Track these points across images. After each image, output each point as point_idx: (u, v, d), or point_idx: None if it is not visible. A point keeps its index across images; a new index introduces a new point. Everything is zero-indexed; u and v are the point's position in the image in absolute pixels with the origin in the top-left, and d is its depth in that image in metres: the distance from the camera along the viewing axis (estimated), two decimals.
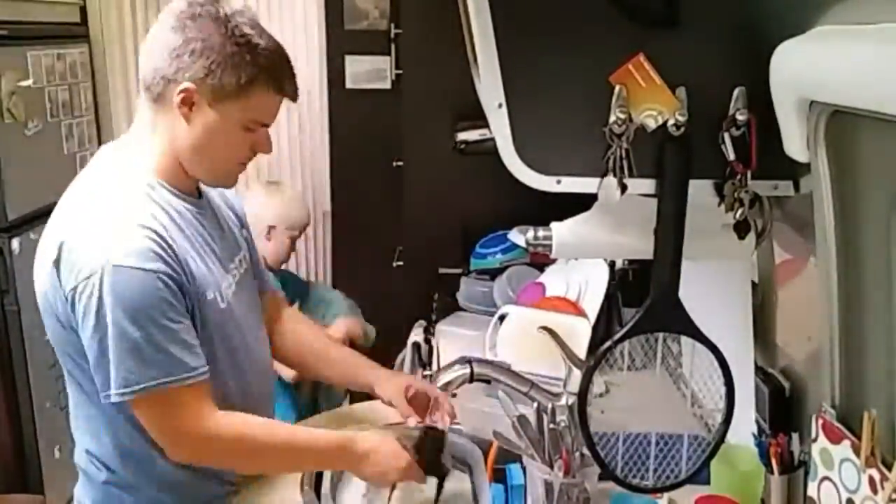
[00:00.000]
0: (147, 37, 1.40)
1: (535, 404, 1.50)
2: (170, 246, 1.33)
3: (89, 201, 1.37)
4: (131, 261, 1.28)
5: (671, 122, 1.24)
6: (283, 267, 2.80)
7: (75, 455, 1.55)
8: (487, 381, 2.05)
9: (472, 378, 1.64)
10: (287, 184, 3.15)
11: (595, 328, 2.06)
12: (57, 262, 1.31)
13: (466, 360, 1.68)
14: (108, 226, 1.31)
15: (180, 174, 1.42)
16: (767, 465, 1.40)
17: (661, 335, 1.33)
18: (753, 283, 1.62)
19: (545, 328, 1.61)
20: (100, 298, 1.27)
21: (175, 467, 1.41)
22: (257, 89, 1.36)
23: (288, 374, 2.38)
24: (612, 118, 1.23)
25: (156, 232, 1.32)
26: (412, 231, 3.35)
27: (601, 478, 1.44)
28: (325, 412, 1.98)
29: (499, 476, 1.63)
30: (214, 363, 1.40)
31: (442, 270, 3.08)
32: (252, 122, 1.40)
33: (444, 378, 1.62)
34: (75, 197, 1.41)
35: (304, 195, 3.48)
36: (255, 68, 1.34)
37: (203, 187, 1.52)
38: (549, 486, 1.42)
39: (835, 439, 1.18)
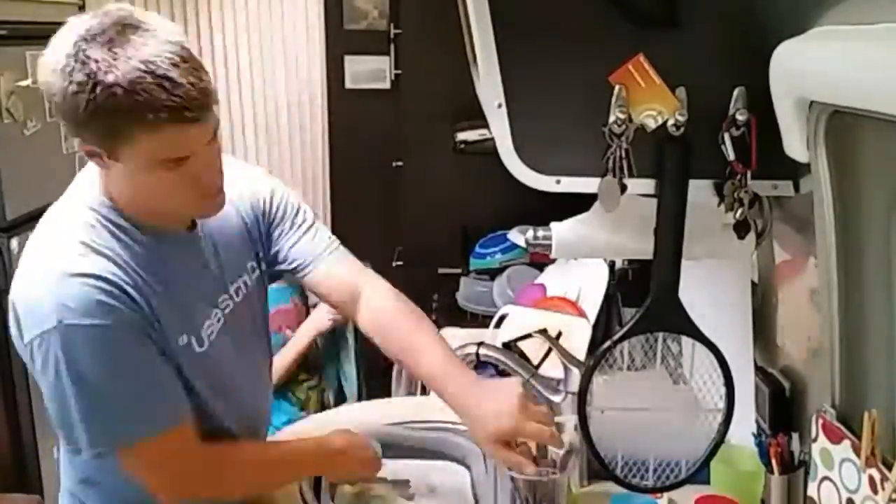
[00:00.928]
0: None
1: None
2: (124, 290, 1.20)
3: (46, 241, 1.26)
4: (81, 318, 1.16)
5: (671, 122, 1.24)
6: None
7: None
8: (496, 366, 2.07)
9: (478, 360, 1.67)
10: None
11: (595, 328, 2.06)
12: (14, 316, 1.23)
13: (476, 343, 1.70)
14: (53, 279, 1.18)
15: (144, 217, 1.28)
16: (767, 464, 1.40)
17: (661, 335, 1.33)
18: (753, 283, 1.62)
19: (541, 331, 1.62)
20: (56, 358, 1.17)
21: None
22: (134, 130, 1.12)
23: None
24: (612, 118, 1.23)
25: (105, 279, 1.18)
26: (412, 231, 3.36)
27: (601, 478, 1.44)
28: (310, 417, 1.94)
29: None
30: (197, 398, 1.32)
31: (442, 270, 3.08)
32: (163, 162, 1.17)
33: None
34: (39, 230, 1.30)
35: (302, 195, 3.47)
36: (113, 110, 1.09)
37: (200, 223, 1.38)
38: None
39: (835, 439, 1.18)
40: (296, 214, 1.52)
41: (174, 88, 1.10)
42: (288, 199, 1.52)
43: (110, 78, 1.08)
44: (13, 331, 1.25)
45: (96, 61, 1.09)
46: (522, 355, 1.81)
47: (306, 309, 2.51)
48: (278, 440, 1.57)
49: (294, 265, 1.51)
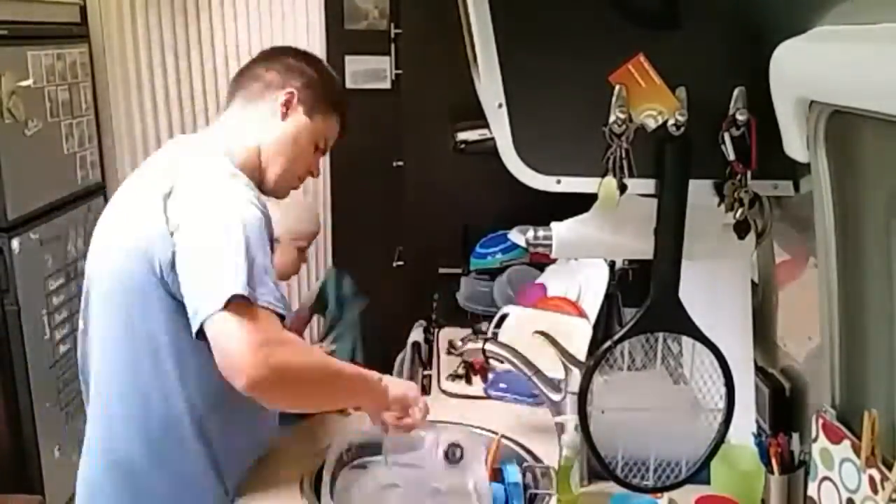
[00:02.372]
0: (266, 56, 1.66)
1: None
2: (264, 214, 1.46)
3: (195, 161, 1.50)
4: (259, 206, 1.43)
5: (671, 122, 1.24)
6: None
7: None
8: (484, 378, 2.07)
9: (484, 354, 1.68)
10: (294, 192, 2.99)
11: (595, 328, 2.06)
12: (168, 199, 1.41)
13: (483, 338, 1.72)
14: (222, 182, 1.45)
15: (256, 174, 1.58)
16: (767, 464, 1.40)
17: (661, 335, 1.33)
18: (753, 283, 1.62)
19: (541, 332, 1.62)
20: (225, 219, 1.37)
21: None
22: (335, 116, 1.66)
23: None
24: (612, 118, 1.23)
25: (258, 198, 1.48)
26: (412, 231, 3.36)
27: (601, 478, 1.44)
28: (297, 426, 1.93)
29: (497, 476, 1.63)
30: None
31: (442, 270, 3.08)
32: (322, 141, 1.65)
33: (460, 348, 1.70)
34: (166, 160, 1.55)
35: (293, 196, 3.46)
36: (340, 99, 1.68)
37: None
38: None
39: (835, 439, 1.18)
40: None
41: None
42: None
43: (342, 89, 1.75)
44: (155, 221, 1.40)
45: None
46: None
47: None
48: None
49: None
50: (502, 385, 2.01)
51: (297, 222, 2.39)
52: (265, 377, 1.28)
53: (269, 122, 1.59)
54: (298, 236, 2.39)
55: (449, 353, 2.15)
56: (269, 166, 1.60)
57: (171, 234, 1.39)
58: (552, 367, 1.61)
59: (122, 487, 1.52)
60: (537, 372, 1.61)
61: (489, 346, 1.68)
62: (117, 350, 1.50)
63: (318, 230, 2.52)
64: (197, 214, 1.39)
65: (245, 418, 1.54)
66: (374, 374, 1.56)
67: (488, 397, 2.01)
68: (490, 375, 2.07)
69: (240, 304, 1.29)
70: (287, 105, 1.59)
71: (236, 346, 1.28)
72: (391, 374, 2.72)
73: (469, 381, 2.11)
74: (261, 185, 1.59)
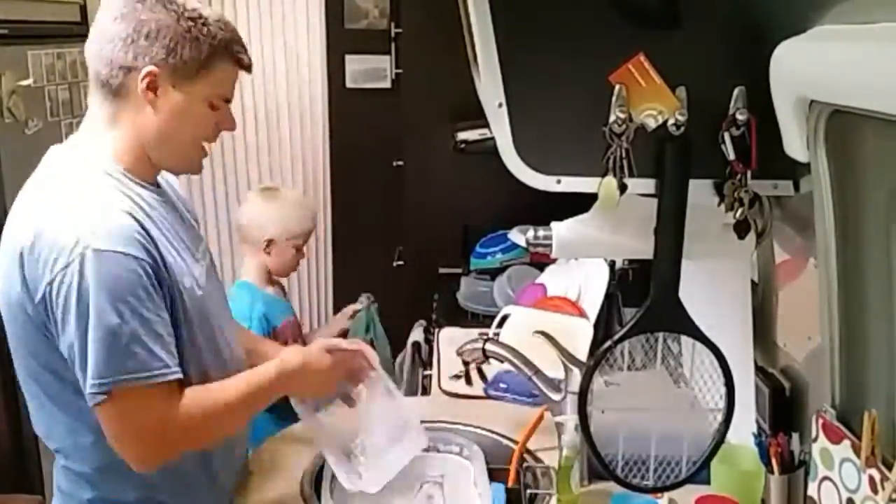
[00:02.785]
0: (92, 31, 1.35)
1: None
2: (146, 233, 1.29)
3: (55, 193, 1.32)
4: (113, 244, 1.24)
5: (671, 121, 1.24)
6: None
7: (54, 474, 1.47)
8: (484, 378, 2.07)
9: (484, 354, 1.68)
10: (285, 189, 2.79)
11: (595, 328, 2.06)
12: (25, 258, 1.26)
13: (484, 339, 1.72)
14: (83, 211, 1.26)
15: (143, 165, 1.38)
16: (767, 464, 1.40)
17: (661, 335, 1.33)
18: (753, 283, 1.62)
19: (541, 332, 1.62)
20: (79, 288, 1.22)
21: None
22: (218, 63, 1.36)
23: None
24: (612, 118, 1.23)
25: (133, 216, 1.29)
26: (412, 231, 3.36)
27: (601, 478, 1.44)
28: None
29: (499, 476, 1.63)
30: (197, 350, 1.39)
31: (442, 270, 3.08)
32: (216, 98, 1.39)
33: (461, 349, 1.72)
34: (34, 194, 1.35)
35: (303, 194, 3.46)
36: (213, 41, 1.34)
37: (160, 179, 1.47)
38: None
39: (835, 439, 1.18)
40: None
41: (242, 40, 1.41)
42: None
43: (213, 17, 1.35)
44: (19, 278, 1.27)
45: (196, 3, 1.35)
46: None
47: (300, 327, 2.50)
48: (238, 376, 1.49)
49: None
50: (502, 385, 2.01)
51: (296, 224, 2.36)
52: (153, 462, 1.32)
53: (140, 118, 1.35)
54: (295, 235, 2.36)
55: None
56: (162, 157, 1.40)
57: (33, 300, 1.27)
58: (552, 367, 1.61)
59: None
60: (537, 372, 1.61)
61: (489, 346, 1.68)
62: None
63: (315, 226, 2.49)
64: (59, 306, 1.25)
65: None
66: (289, 364, 1.46)
67: (488, 397, 2.01)
68: (490, 375, 2.08)
69: (105, 397, 1.24)
70: (151, 89, 1.33)
71: (115, 443, 1.29)
72: (391, 373, 2.73)
73: (469, 382, 2.11)
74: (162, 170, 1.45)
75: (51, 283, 1.24)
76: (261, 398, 1.44)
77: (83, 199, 1.29)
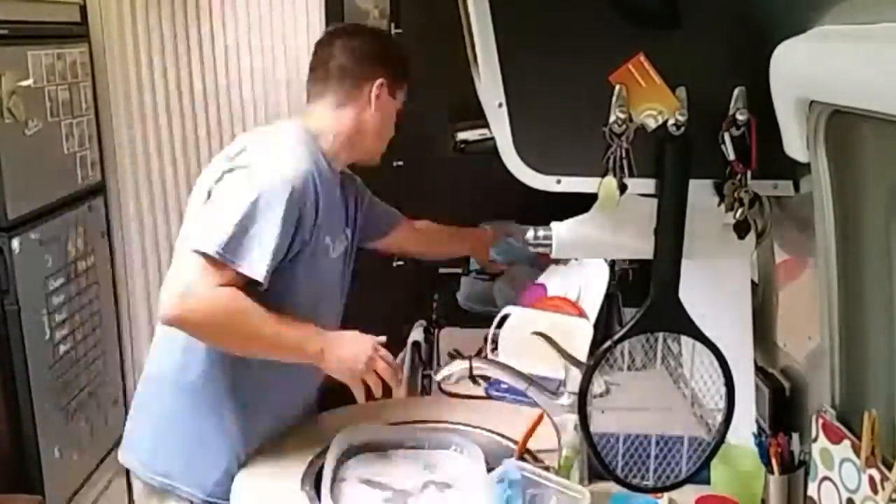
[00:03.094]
0: (335, 44, 1.81)
1: None
2: (316, 189, 1.63)
3: (272, 137, 1.76)
4: (287, 168, 1.61)
5: (671, 122, 1.24)
6: None
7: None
8: (486, 378, 2.06)
9: (471, 373, 1.65)
10: None
11: (595, 328, 2.06)
12: (232, 158, 1.67)
13: (466, 357, 1.68)
14: (283, 150, 1.67)
15: (342, 151, 1.80)
16: (767, 464, 1.40)
17: (661, 335, 1.33)
18: (753, 283, 1.62)
19: (539, 333, 1.62)
20: (249, 177, 1.59)
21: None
22: (406, 78, 1.86)
23: None
24: (612, 118, 1.23)
25: (312, 174, 1.64)
26: None
27: (601, 478, 1.44)
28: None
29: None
30: (294, 294, 1.67)
31: (442, 270, 3.07)
32: (401, 104, 1.87)
33: (444, 372, 1.64)
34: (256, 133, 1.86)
35: None
36: (406, 64, 1.87)
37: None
38: None
39: (835, 439, 1.18)
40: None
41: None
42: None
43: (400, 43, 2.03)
44: (226, 163, 1.68)
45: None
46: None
47: None
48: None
49: (382, 226, 2.22)
50: (503, 385, 2.01)
51: None
52: (175, 318, 1.55)
53: (363, 115, 1.79)
54: None
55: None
56: (370, 147, 1.85)
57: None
58: (554, 368, 1.60)
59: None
60: (532, 383, 1.59)
61: (477, 364, 1.64)
62: None
63: None
64: (235, 173, 1.63)
65: (272, 396, 1.74)
66: (313, 343, 1.63)
67: (489, 397, 2.01)
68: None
69: (208, 258, 1.54)
70: (378, 96, 1.78)
71: (171, 283, 1.58)
72: None
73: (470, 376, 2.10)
74: (353, 158, 1.86)
75: (231, 169, 1.64)
76: (288, 335, 1.62)
77: (288, 145, 1.69)
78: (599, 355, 1.33)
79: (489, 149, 1.42)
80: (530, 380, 1.59)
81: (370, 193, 2.16)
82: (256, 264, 1.55)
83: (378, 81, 1.77)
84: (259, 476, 1.63)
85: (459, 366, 1.62)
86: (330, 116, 1.78)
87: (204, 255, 1.54)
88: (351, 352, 1.65)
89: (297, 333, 1.63)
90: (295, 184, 1.59)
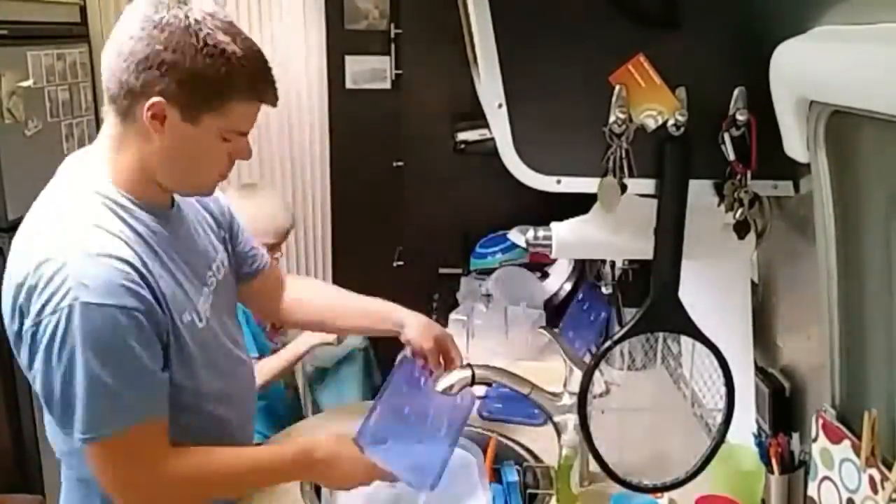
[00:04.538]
0: (109, 44, 1.28)
1: None
2: (140, 274, 1.24)
3: (53, 224, 1.27)
4: (101, 297, 1.19)
5: (671, 122, 1.24)
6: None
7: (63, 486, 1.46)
8: (489, 384, 2.05)
9: (473, 381, 1.63)
10: (262, 186, 2.66)
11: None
12: (19, 292, 1.22)
13: (468, 365, 1.66)
14: (74, 256, 1.21)
15: (150, 189, 1.33)
16: (767, 464, 1.40)
17: (661, 335, 1.34)
18: (753, 283, 1.62)
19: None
20: (64, 337, 1.19)
21: None
22: (235, 99, 1.27)
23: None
24: (612, 118, 1.24)
25: (126, 261, 1.23)
26: (412, 231, 3.36)
27: (601, 478, 1.44)
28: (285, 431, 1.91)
29: (496, 476, 1.64)
30: (198, 386, 1.36)
31: (442, 270, 3.08)
32: (229, 133, 1.30)
33: (447, 381, 1.61)
34: (39, 218, 1.31)
35: (293, 196, 3.42)
36: (230, 80, 1.25)
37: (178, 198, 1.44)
38: None
39: (835, 439, 1.18)
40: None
41: (271, 74, 1.34)
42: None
43: (238, 51, 1.26)
44: (13, 309, 1.24)
45: (224, 35, 1.26)
46: None
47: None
48: (256, 446, 1.55)
49: (252, 263, 1.67)
50: (497, 405, 1.91)
51: (263, 222, 2.20)
52: None
53: (146, 144, 1.29)
54: (264, 233, 2.16)
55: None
56: (169, 183, 1.35)
57: (21, 328, 1.24)
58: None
59: None
60: (534, 388, 1.58)
61: (480, 372, 1.59)
62: None
63: (291, 226, 2.36)
64: (39, 349, 1.21)
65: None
66: (317, 452, 1.41)
67: (484, 419, 1.89)
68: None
69: (93, 444, 1.24)
70: (157, 119, 1.25)
71: (110, 483, 1.29)
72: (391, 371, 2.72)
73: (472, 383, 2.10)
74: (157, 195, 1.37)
75: (37, 324, 1.20)
76: (267, 475, 1.43)
77: (77, 238, 1.23)
78: (599, 355, 1.33)
79: (489, 149, 1.42)
80: (532, 385, 1.58)
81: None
82: (134, 407, 1.24)
83: (151, 102, 1.24)
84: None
85: (460, 374, 1.60)
86: (111, 146, 1.33)
87: (101, 442, 1.24)
88: (346, 480, 1.45)
89: (285, 469, 1.43)
90: (118, 300, 1.21)
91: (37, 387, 1.25)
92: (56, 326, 1.19)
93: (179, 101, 1.25)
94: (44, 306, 1.20)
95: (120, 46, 1.25)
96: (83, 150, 1.40)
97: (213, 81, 1.24)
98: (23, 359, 1.26)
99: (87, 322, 1.18)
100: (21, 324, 1.23)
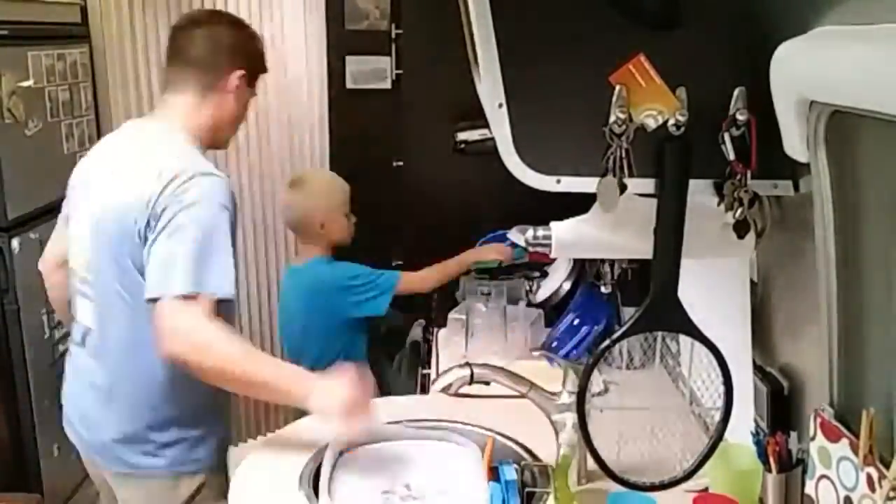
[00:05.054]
0: (206, 27, 1.81)
1: None
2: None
3: (167, 146, 1.73)
4: (227, 195, 1.67)
5: (671, 122, 1.24)
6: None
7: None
8: (486, 383, 2.06)
9: (471, 380, 1.63)
10: (307, 172, 3.18)
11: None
12: (155, 177, 1.63)
13: (466, 363, 1.67)
14: (196, 157, 1.71)
15: (206, 143, 1.81)
16: (765, 463, 1.41)
17: (660, 334, 1.34)
18: (753, 283, 1.62)
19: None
20: (210, 196, 1.63)
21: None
22: (264, 72, 1.91)
23: None
24: (612, 118, 1.24)
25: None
26: (412, 231, 3.36)
27: (600, 476, 1.44)
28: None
29: (493, 475, 1.64)
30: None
31: None
32: (255, 89, 1.89)
33: (445, 380, 1.61)
34: (138, 145, 1.78)
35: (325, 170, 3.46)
36: (263, 57, 1.90)
37: None
38: None
39: (833, 438, 1.18)
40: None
41: None
42: None
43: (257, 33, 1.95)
44: (154, 185, 1.63)
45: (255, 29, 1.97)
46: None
47: None
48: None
49: None
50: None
51: (330, 198, 2.64)
52: (177, 356, 1.57)
53: (224, 104, 1.80)
54: (338, 206, 2.63)
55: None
56: (226, 135, 1.87)
57: (151, 209, 1.62)
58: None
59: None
60: (532, 387, 1.58)
61: (478, 371, 1.62)
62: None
63: (348, 187, 2.72)
64: (176, 208, 1.61)
65: None
66: (301, 385, 1.60)
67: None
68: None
69: (182, 298, 1.56)
70: (238, 87, 1.80)
71: (166, 326, 1.57)
72: (391, 370, 2.73)
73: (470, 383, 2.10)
74: (210, 145, 1.85)
75: (171, 181, 1.62)
76: (279, 381, 1.62)
77: (191, 152, 1.73)
78: (598, 354, 1.33)
79: (489, 149, 1.42)
80: (531, 384, 1.58)
81: None
82: (220, 285, 1.61)
83: (239, 73, 1.80)
84: (257, 476, 1.63)
85: (459, 373, 1.59)
86: (192, 106, 1.79)
87: (179, 296, 1.57)
88: (333, 401, 1.58)
89: (288, 379, 1.63)
90: (224, 198, 1.66)
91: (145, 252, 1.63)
92: (203, 186, 1.63)
93: (249, 72, 1.83)
94: (195, 171, 1.65)
95: (210, 34, 1.81)
96: (142, 120, 1.94)
97: (263, 57, 1.91)
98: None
99: (217, 215, 1.63)
100: (143, 204, 1.63)
